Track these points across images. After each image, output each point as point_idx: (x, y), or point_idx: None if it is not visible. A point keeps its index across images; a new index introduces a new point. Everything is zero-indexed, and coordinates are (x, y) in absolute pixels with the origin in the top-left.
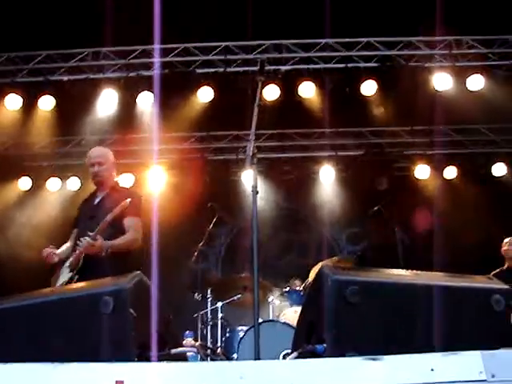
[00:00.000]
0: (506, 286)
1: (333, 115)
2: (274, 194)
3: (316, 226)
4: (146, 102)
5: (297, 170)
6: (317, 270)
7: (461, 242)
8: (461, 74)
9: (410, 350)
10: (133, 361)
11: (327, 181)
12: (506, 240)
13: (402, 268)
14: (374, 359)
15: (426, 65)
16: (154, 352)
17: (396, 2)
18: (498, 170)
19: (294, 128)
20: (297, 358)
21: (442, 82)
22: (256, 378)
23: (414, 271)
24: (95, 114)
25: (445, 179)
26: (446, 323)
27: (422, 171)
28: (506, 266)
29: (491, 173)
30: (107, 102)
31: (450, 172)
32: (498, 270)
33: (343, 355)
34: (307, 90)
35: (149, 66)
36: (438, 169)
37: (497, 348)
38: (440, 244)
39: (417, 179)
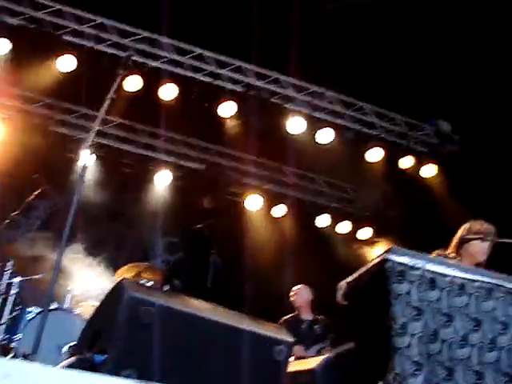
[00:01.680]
0: (290, 339)
1: (187, 124)
2: (105, 184)
3: (137, 226)
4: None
5: (136, 166)
6: (120, 276)
7: (271, 279)
8: (314, 124)
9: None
10: None
11: (161, 185)
12: (294, 289)
13: (208, 290)
14: None
15: (286, 105)
16: None
17: (278, 35)
18: (323, 220)
19: (146, 124)
20: (73, 362)
21: (296, 125)
22: (21, 380)
23: (214, 306)
24: None
25: (272, 216)
26: (228, 364)
27: (253, 202)
28: (295, 313)
29: (315, 222)
30: None
31: (279, 210)
32: (289, 316)
33: (120, 372)
34: (169, 93)
35: (15, 14)
36: (267, 204)
37: None
38: (251, 277)
39: (246, 209)
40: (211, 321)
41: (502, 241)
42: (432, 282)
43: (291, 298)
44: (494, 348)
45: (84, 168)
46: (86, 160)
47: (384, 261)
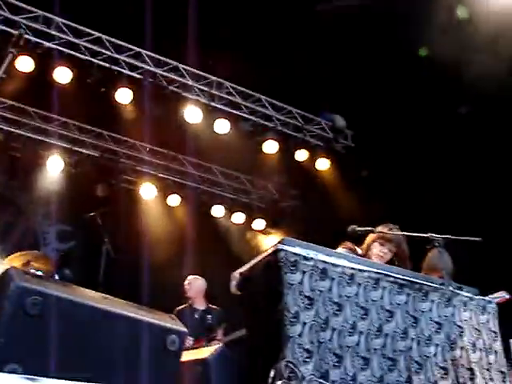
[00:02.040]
0: (183, 329)
1: (82, 109)
2: None
3: (27, 213)
4: None
5: (26, 150)
6: (8, 264)
7: (166, 269)
8: (212, 114)
9: (77, 375)
10: None
11: (54, 171)
12: (188, 279)
13: (100, 279)
14: (32, 380)
15: (184, 94)
16: None
17: (179, 24)
18: (218, 210)
19: (38, 107)
20: None
21: (193, 114)
22: None
23: (105, 296)
24: None
25: (167, 205)
26: (120, 354)
27: (148, 190)
28: (189, 302)
29: (210, 212)
30: None
31: (175, 199)
32: (182, 306)
33: (3, 367)
34: (64, 75)
35: None
36: (162, 193)
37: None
38: (145, 267)
39: (141, 197)
40: (102, 310)
41: (389, 233)
42: (323, 272)
43: (185, 288)
44: (380, 335)
45: None
46: None
47: (277, 251)
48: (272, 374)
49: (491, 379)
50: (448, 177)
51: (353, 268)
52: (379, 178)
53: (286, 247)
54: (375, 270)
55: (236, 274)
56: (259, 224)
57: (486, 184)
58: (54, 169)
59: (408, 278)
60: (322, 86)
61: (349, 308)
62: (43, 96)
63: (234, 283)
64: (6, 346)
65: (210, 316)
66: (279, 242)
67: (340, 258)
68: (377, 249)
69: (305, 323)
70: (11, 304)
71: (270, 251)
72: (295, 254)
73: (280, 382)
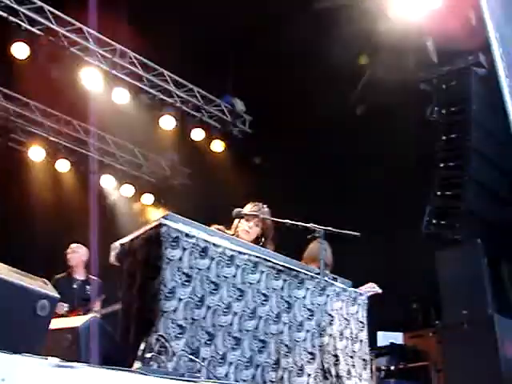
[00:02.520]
0: (55, 295)
1: None
2: None
3: None
4: None
5: None
6: None
7: (49, 235)
8: (112, 82)
9: None
10: None
11: None
12: (71, 247)
13: None
14: None
15: (85, 58)
16: None
17: None
18: (107, 181)
19: None
20: None
21: (92, 80)
22: None
23: None
24: None
25: (56, 170)
26: None
27: (37, 153)
28: (68, 271)
29: (100, 181)
30: None
31: (63, 165)
32: (61, 275)
33: None
34: None
35: None
36: (52, 157)
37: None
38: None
39: (29, 159)
40: None
41: (273, 220)
42: (204, 250)
43: (67, 256)
44: (253, 317)
45: None
46: None
47: (159, 225)
48: (142, 346)
49: (353, 366)
50: (338, 170)
51: (233, 250)
52: (272, 166)
53: (168, 222)
54: (255, 254)
55: (116, 244)
56: (147, 198)
57: (375, 179)
58: None
59: (286, 265)
60: (226, 68)
61: (225, 288)
62: None
63: (113, 254)
64: None
65: (88, 287)
66: (162, 217)
67: (222, 238)
68: (243, 225)
69: (180, 299)
70: None
71: (152, 225)
72: (177, 230)
73: (150, 354)
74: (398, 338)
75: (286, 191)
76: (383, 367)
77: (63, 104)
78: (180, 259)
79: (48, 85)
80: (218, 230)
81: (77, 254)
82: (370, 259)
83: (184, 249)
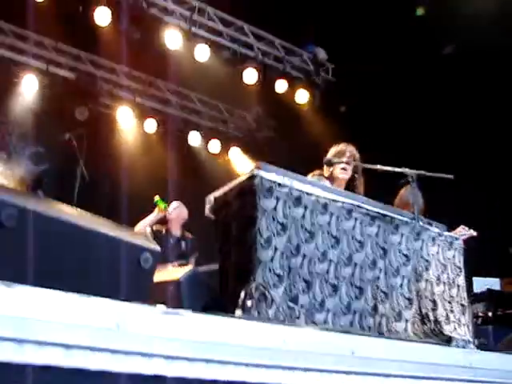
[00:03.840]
0: (157, 248)
1: (60, 28)
2: None
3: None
4: None
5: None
6: None
7: (141, 194)
8: (192, 40)
9: (52, 285)
10: None
11: (29, 92)
12: (173, 204)
13: (74, 202)
14: (7, 285)
15: (164, 18)
16: None
17: None
18: (194, 138)
19: (13, 24)
20: None
21: (173, 40)
22: None
23: (82, 211)
24: None
25: (144, 131)
26: (92, 270)
27: (125, 115)
28: (166, 226)
29: (187, 139)
30: None
31: (151, 125)
32: (158, 228)
33: None
34: None
35: None
36: (140, 119)
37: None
38: (119, 192)
39: (117, 122)
40: (78, 226)
41: (364, 166)
42: (298, 199)
43: (167, 211)
44: (349, 264)
45: None
46: None
47: (252, 177)
48: (242, 295)
49: (451, 311)
50: (426, 115)
51: (326, 198)
52: (357, 114)
53: (261, 173)
54: (349, 201)
55: (211, 197)
56: (234, 152)
57: (463, 123)
58: (28, 89)
59: (380, 211)
60: (306, 18)
61: (320, 236)
62: (19, 13)
63: (208, 206)
64: None
65: (184, 243)
66: (255, 168)
67: (315, 186)
68: (338, 166)
69: (276, 248)
70: None
71: (245, 177)
72: (270, 180)
73: (250, 301)
74: (495, 284)
75: (371, 139)
76: (480, 314)
77: (147, 65)
78: (274, 209)
79: (131, 47)
80: (320, 175)
81: (179, 211)
82: (463, 202)
83: (277, 198)
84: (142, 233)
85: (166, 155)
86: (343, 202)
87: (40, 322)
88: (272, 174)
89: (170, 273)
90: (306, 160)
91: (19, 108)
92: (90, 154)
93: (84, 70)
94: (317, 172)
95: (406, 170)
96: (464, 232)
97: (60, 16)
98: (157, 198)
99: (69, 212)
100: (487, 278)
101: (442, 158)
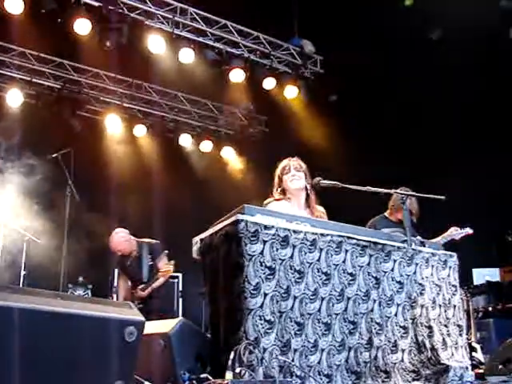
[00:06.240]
0: (141, 318)
1: (41, 40)
2: None
3: None
4: None
5: None
6: None
7: (134, 200)
8: (176, 42)
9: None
10: None
11: (14, 105)
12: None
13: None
14: None
15: (147, 22)
16: None
17: None
18: (184, 140)
19: None
20: None
21: (156, 43)
22: None
23: (57, 293)
24: None
25: (133, 135)
26: (76, 352)
27: (111, 121)
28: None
29: (178, 140)
30: None
31: (141, 129)
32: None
33: None
34: (16, 6)
35: None
36: (128, 123)
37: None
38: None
39: (106, 129)
40: (51, 312)
41: (353, 188)
42: (285, 239)
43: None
44: (341, 299)
45: None
46: None
47: (237, 221)
48: (232, 356)
49: (448, 334)
50: (416, 103)
51: (314, 233)
52: (347, 103)
53: (246, 217)
54: (337, 234)
55: (197, 239)
56: (227, 152)
57: (453, 110)
58: (14, 101)
59: (370, 239)
60: (290, 10)
61: (310, 274)
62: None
63: (195, 248)
64: None
65: (138, 262)
66: (239, 212)
67: (302, 222)
68: (288, 175)
69: (266, 294)
70: None
71: (229, 221)
72: (256, 223)
73: (239, 369)
74: (494, 273)
75: (363, 127)
76: (481, 308)
77: (132, 69)
78: (261, 253)
79: (114, 53)
80: (277, 200)
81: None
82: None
83: (264, 242)
84: (126, 303)
85: (158, 158)
86: (332, 235)
87: None
88: (257, 216)
89: (158, 326)
90: (298, 155)
91: (6, 122)
92: (81, 166)
93: (68, 78)
94: (270, 200)
95: (397, 192)
96: (459, 232)
97: (40, 28)
98: None
99: (47, 300)
100: (486, 268)
101: (432, 147)
